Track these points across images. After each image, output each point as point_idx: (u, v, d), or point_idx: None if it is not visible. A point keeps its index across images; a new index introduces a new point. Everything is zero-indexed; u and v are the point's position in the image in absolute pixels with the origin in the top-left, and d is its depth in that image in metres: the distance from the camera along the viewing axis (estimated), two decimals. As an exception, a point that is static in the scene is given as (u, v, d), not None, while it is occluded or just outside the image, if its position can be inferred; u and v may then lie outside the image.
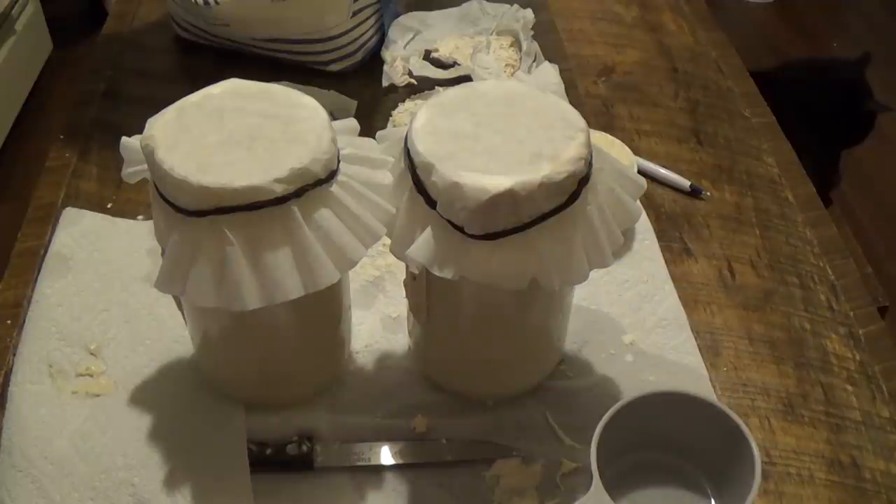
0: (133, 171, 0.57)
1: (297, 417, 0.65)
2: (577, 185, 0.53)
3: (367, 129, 0.63)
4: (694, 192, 0.85)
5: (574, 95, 0.95)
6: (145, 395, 0.66)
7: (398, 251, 0.56)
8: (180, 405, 0.65)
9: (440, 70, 0.97)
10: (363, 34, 0.97)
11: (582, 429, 0.63)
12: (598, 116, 0.94)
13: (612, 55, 1.03)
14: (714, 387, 0.69)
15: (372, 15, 0.97)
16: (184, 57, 1.02)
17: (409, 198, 0.55)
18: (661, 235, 0.80)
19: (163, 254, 0.56)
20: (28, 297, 0.73)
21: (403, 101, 0.94)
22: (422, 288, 0.60)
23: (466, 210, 0.51)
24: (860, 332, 0.73)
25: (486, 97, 0.58)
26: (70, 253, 0.76)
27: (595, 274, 0.57)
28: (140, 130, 0.55)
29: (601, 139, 0.80)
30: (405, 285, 0.64)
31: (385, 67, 0.97)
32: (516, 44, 1.00)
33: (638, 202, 0.59)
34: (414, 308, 0.64)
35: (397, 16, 1.03)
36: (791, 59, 1.78)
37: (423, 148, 0.54)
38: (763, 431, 0.66)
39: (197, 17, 0.95)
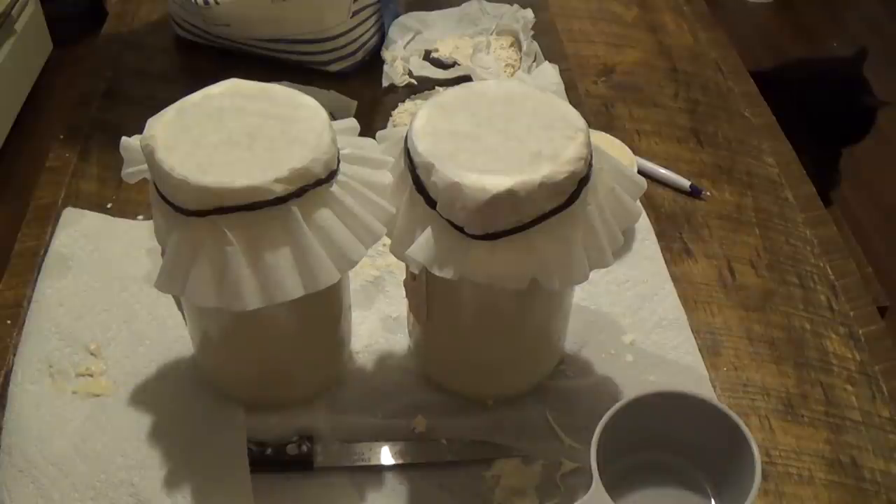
0: (133, 171, 0.57)
1: (297, 417, 0.65)
2: (577, 185, 0.53)
3: (367, 129, 0.63)
4: (694, 192, 0.85)
5: (574, 95, 0.95)
6: (145, 395, 0.66)
7: (398, 251, 0.56)
8: (180, 405, 0.65)
9: (440, 70, 0.97)
10: (363, 34, 0.97)
11: (582, 429, 0.63)
12: (598, 116, 0.94)
13: (612, 55, 1.03)
14: (714, 387, 0.69)
15: (372, 15, 0.97)
16: (184, 57, 1.02)
17: (409, 198, 0.55)
18: (661, 235, 0.80)
19: (163, 254, 0.56)
20: (28, 297, 0.73)
21: (403, 101, 0.94)
22: (422, 288, 0.60)
23: (466, 210, 0.51)
24: (860, 332, 0.73)
25: (486, 97, 0.58)
26: (70, 253, 0.76)
27: (595, 274, 0.57)
28: (140, 130, 0.55)
29: (601, 139, 0.80)
30: (405, 285, 0.64)
31: (385, 67, 0.97)
32: (516, 44, 1.00)
33: (638, 202, 0.59)
34: (414, 308, 0.64)
35: (397, 16, 1.03)
36: (791, 59, 1.78)
37: (423, 148, 0.54)
38: (763, 431, 0.66)
39: (197, 17, 0.95)
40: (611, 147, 0.79)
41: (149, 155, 0.53)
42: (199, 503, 0.60)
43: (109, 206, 0.82)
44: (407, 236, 0.55)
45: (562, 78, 0.94)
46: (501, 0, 1.06)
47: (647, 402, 0.58)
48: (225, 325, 0.61)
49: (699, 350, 0.71)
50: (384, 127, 0.90)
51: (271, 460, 0.62)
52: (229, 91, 0.57)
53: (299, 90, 0.58)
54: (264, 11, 0.91)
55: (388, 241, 0.57)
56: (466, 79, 0.94)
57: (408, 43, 1.01)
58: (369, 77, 0.97)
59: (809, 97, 1.44)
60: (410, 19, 1.04)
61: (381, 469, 0.63)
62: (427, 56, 0.99)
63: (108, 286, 0.73)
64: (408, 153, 0.55)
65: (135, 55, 1.02)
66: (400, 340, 0.70)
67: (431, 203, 0.53)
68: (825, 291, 0.77)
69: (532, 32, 1.00)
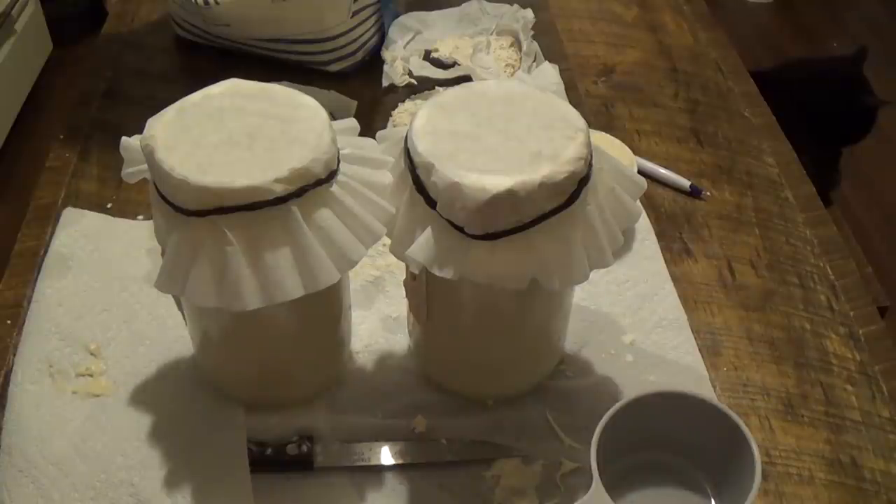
0: (133, 171, 0.57)
1: (297, 417, 0.65)
2: (577, 185, 0.53)
3: (367, 129, 0.63)
4: (694, 192, 0.85)
5: (574, 95, 0.95)
6: (145, 395, 0.66)
7: (398, 251, 0.56)
8: (180, 405, 0.65)
9: (440, 70, 0.97)
10: (363, 34, 0.97)
11: (582, 429, 0.63)
12: (598, 116, 0.94)
13: (612, 55, 1.03)
14: (714, 387, 0.69)
15: (372, 15, 0.97)
16: (184, 57, 1.02)
17: (409, 198, 0.55)
18: (661, 235, 0.80)
19: (163, 254, 0.56)
20: (28, 297, 0.73)
21: (403, 101, 0.94)
22: (422, 288, 0.60)
23: (466, 210, 0.51)
24: (860, 332, 0.73)
25: (486, 97, 0.58)
26: (70, 253, 0.76)
27: (595, 274, 0.57)
28: (140, 130, 0.55)
29: (601, 139, 0.80)
30: (405, 285, 0.64)
31: (385, 67, 0.97)
32: (516, 44, 1.00)
33: (638, 202, 0.59)
34: (414, 308, 0.64)
35: (397, 16, 1.03)
36: (791, 59, 1.78)
37: (423, 148, 0.54)
38: (763, 431, 0.66)
39: (197, 17, 0.95)
40: (611, 147, 0.79)
41: (149, 155, 0.53)
42: (199, 503, 0.60)
43: (109, 206, 0.82)
44: (407, 236, 0.55)
45: (562, 78, 0.94)
46: (501, 0, 1.06)
47: (647, 402, 0.58)
48: (225, 325, 0.61)
49: (699, 350, 0.71)
50: (384, 127, 0.90)
51: (271, 460, 0.62)
52: (229, 91, 0.57)
53: (299, 90, 0.58)
54: (264, 11, 0.91)
55: (388, 241, 0.57)
56: (466, 79, 0.94)
57: (408, 43, 1.01)
58: (369, 77, 0.97)
59: (809, 97, 1.44)
60: (410, 19, 1.04)
61: (381, 469, 0.62)
62: (427, 56, 0.99)
63: (108, 286, 0.73)
64: (408, 153, 0.55)
65: (135, 55, 1.02)
66: (400, 340, 0.70)
67: (431, 203, 0.53)
68: (825, 291, 0.77)
69: (532, 32, 1.00)
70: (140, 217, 0.80)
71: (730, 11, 2.57)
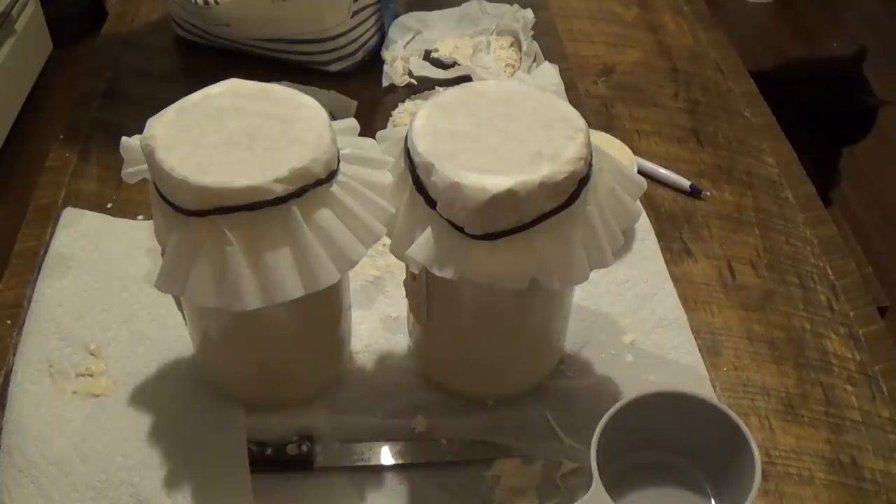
0: (133, 171, 0.57)
1: (297, 417, 0.65)
2: (577, 185, 0.53)
3: (367, 129, 0.63)
4: (694, 192, 0.85)
5: (574, 95, 0.95)
6: (145, 395, 0.66)
7: (398, 251, 0.56)
8: (180, 405, 0.65)
9: (440, 70, 0.97)
10: (363, 34, 0.97)
11: (582, 429, 0.63)
12: (598, 116, 0.94)
13: (612, 55, 1.03)
14: (714, 387, 0.69)
15: (372, 15, 0.97)
16: (184, 57, 1.02)
17: (409, 198, 0.55)
18: (661, 235, 0.80)
19: (163, 254, 0.56)
20: (28, 297, 0.73)
21: (403, 101, 0.94)
22: (422, 288, 0.60)
23: (466, 210, 0.51)
24: (860, 332, 0.73)
25: (486, 97, 0.58)
26: (70, 253, 0.76)
27: (595, 274, 0.57)
28: (140, 130, 0.55)
29: (601, 139, 0.80)
30: (405, 285, 0.64)
31: (385, 67, 0.97)
32: (516, 44, 1.00)
33: (638, 202, 0.59)
34: (414, 308, 0.64)
35: (397, 16, 1.03)
36: (791, 59, 1.78)
37: (423, 148, 0.54)
38: (763, 431, 0.66)
39: (197, 17, 0.95)
40: (611, 147, 0.79)
41: (149, 155, 0.53)
42: (199, 503, 0.60)
43: (109, 206, 0.82)
44: (407, 236, 0.55)
45: (562, 78, 0.94)
46: (501, 0, 1.06)
47: (647, 402, 0.58)
48: (225, 325, 0.61)
49: (699, 350, 0.71)
50: (384, 127, 0.90)
51: (271, 460, 0.62)
52: (229, 91, 0.57)
53: (299, 90, 0.58)
54: (264, 11, 0.91)
55: (388, 241, 0.57)
56: (466, 79, 0.94)
57: (408, 43, 1.01)
58: (369, 77, 0.97)
59: (809, 97, 1.44)
60: (410, 19, 1.04)
61: (381, 469, 0.63)
62: (427, 56, 0.99)
63: (108, 286, 0.73)
64: (408, 153, 0.55)
65: (135, 55, 1.02)
66: (400, 340, 0.70)
67: (431, 203, 0.53)
68: (825, 291, 0.77)
69: (532, 32, 1.00)
70: (140, 217, 0.80)
71: (730, 11, 2.57)
